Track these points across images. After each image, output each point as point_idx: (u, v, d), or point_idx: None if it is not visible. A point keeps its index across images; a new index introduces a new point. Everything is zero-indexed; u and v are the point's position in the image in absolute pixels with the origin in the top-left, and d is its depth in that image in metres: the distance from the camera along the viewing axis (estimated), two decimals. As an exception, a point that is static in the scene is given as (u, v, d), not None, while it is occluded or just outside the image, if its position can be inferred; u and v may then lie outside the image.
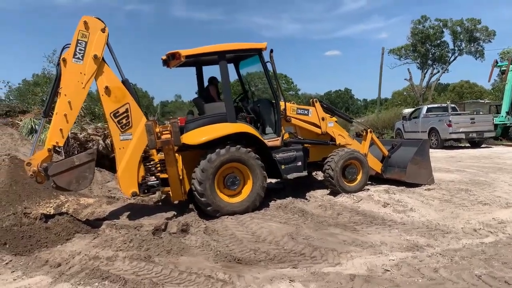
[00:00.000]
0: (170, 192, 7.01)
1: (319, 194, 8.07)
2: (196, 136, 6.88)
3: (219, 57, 7.10)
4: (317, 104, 8.23)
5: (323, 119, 8.22)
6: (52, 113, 6.50)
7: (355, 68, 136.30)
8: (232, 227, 6.27)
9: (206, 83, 8.30)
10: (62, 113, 6.37)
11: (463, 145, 19.47)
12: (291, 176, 7.55)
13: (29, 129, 12.11)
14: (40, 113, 13.99)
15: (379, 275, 4.16)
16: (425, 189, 8.05)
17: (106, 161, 11.41)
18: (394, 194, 7.70)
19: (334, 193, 7.94)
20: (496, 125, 19.07)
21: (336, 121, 8.58)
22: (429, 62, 49.41)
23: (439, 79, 50.24)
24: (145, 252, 5.28)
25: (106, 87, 6.63)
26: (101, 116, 15.57)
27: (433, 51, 48.75)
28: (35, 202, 8.42)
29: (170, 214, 7.22)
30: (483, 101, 28.79)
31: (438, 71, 49.20)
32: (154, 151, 7.26)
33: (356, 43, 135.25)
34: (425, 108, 20.78)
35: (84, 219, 7.21)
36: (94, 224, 6.90)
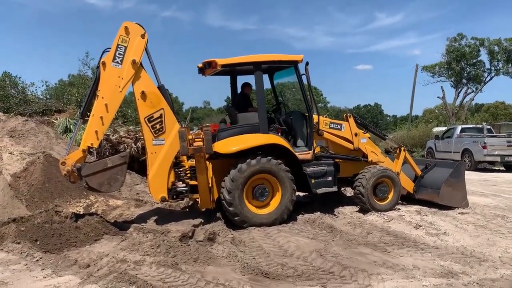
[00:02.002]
0: (199, 200, 7.01)
1: (348, 211, 7.91)
2: (227, 145, 6.87)
3: (254, 68, 7.09)
4: (351, 119, 8.11)
5: (356, 134, 8.08)
6: (89, 115, 6.62)
7: (386, 83, 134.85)
8: (259, 239, 6.21)
9: (239, 93, 8.31)
10: (98, 115, 6.47)
11: (497, 168, 18.83)
12: (320, 191, 7.44)
13: (64, 128, 12.41)
14: (75, 113, 14.41)
15: (412, 301, 4.01)
16: (459, 213, 7.78)
17: (135, 164, 11.58)
18: (426, 216, 7.47)
19: (364, 210, 7.77)
20: None
21: (369, 137, 8.43)
22: (464, 81, 48.14)
23: (473, 99, 48.85)
24: (172, 258, 5.26)
25: (142, 92, 6.71)
26: (133, 119, 15.85)
27: (468, 70, 47.52)
28: (66, 200, 8.59)
29: (197, 221, 7.23)
30: None
31: (473, 91, 47.91)
32: (184, 157, 7.30)
33: (388, 58, 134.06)
34: (459, 128, 20.23)
35: (113, 221, 7.30)
36: (122, 226, 6.96)
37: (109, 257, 5.37)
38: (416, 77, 34.86)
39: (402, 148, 8.58)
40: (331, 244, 5.90)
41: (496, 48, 45.26)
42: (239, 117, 7.38)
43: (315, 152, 7.56)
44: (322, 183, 7.49)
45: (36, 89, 25.64)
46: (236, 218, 6.74)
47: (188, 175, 7.25)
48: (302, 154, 7.40)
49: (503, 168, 18.45)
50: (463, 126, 21.40)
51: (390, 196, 7.90)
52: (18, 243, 5.73)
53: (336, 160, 7.88)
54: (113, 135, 12.19)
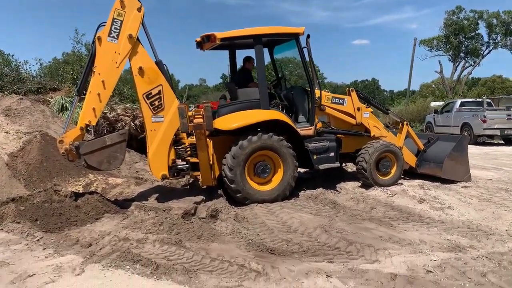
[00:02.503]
0: (200, 177, 6.92)
1: (350, 186, 7.85)
2: (228, 122, 6.73)
3: (254, 41, 6.89)
4: (353, 93, 7.96)
5: (358, 109, 7.95)
6: (86, 92, 6.45)
7: (383, 58, 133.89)
8: (262, 216, 6.14)
9: (239, 68, 8.11)
10: (95, 92, 6.31)
11: (495, 142, 18.79)
12: (323, 166, 7.34)
13: (60, 106, 12.19)
14: (70, 91, 14.16)
15: (421, 276, 3.95)
16: (462, 187, 7.72)
17: (134, 142, 11.44)
18: (430, 190, 7.40)
19: (366, 186, 7.70)
20: None
21: (371, 112, 8.30)
22: (462, 55, 47.76)
23: (471, 73, 48.55)
24: (176, 236, 5.19)
25: (140, 68, 6.53)
26: (130, 96, 15.62)
27: (467, 43, 47.07)
28: (64, 179, 8.49)
29: (198, 198, 7.12)
30: None
31: (471, 65, 47.59)
32: (184, 134, 7.17)
33: (386, 33, 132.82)
34: (458, 102, 20.08)
35: (113, 199, 7.21)
36: (123, 204, 6.87)
37: (111, 235, 5.28)
38: (414, 52, 34.49)
39: (405, 122, 8.46)
40: (335, 219, 5.84)
41: (494, 21, 44.80)
42: (239, 92, 7.22)
43: (316, 127, 7.43)
44: (324, 158, 7.39)
45: (30, 67, 25.17)
46: (238, 195, 6.66)
47: (189, 152, 7.14)
48: (304, 130, 7.27)
49: (502, 142, 18.42)
50: (463, 100, 21.25)
51: (393, 171, 7.83)
52: (18, 222, 5.63)
53: (338, 135, 7.76)
54: (110, 113, 12.01)
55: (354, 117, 7.97)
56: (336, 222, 5.70)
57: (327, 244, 4.94)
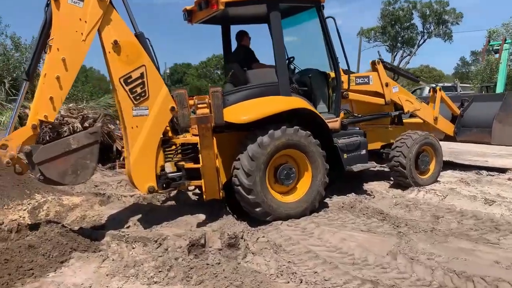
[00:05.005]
0: (203, 188, 5.08)
1: (379, 188, 6.47)
2: (240, 113, 5.04)
3: (270, 7, 5.25)
4: (380, 66, 6.60)
5: (386, 85, 6.60)
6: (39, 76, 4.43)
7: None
8: (300, 240, 4.49)
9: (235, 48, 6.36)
10: (53, 75, 4.33)
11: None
12: (356, 168, 5.79)
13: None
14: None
15: None
16: (508, 179, 6.60)
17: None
18: (477, 185, 6.22)
19: (400, 186, 6.37)
20: None
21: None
22: (399, 45, 49.22)
23: (408, 62, 50.05)
24: (202, 289, 3.40)
25: (115, 42, 4.63)
26: (72, 95, 13.19)
27: (403, 33, 48.55)
28: (2, 204, 6.24)
29: (195, 219, 5.35)
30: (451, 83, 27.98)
31: (408, 54, 49.19)
32: (170, 132, 5.39)
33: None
34: (427, 89, 19.55)
35: (76, 228, 5.22)
36: (93, 235, 4.94)
37: (95, 292, 3.39)
38: (361, 43, 34.32)
39: (438, 88, 7.26)
40: (406, 239, 4.31)
41: (427, 11, 46.59)
42: (250, 75, 5.50)
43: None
44: (356, 157, 5.86)
45: None
46: (257, 209, 4.99)
47: (179, 156, 5.35)
48: (330, 122, 5.69)
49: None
50: (433, 85, 20.76)
51: (432, 167, 6.53)
52: None
53: (362, 127, 6.30)
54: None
55: (382, 96, 6.56)
56: (413, 243, 4.17)
57: (429, 281, 3.38)
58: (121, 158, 10.09)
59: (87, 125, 9.82)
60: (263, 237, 4.52)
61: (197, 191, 6.49)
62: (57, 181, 4.66)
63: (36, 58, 4.56)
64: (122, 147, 10.19)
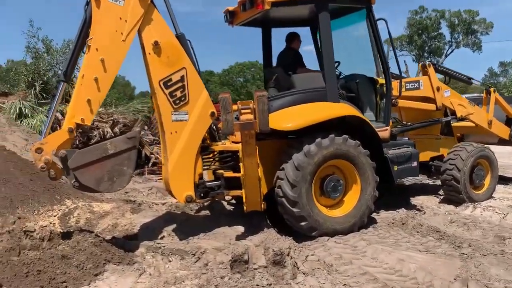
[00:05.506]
0: (243, 198, 4.77)
1: (427, 203, 6.10)
2: (286, 119, 4.75)
3: (319, 8, 4.96)
4: (431, 69, 6.25)
5: (438, 89, 6.22)
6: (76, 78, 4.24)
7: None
8: (352, 259, 4.12)
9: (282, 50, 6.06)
10: (91, 77, 4.13)
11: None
12: (408, 181, 5.40)
13: (18, 112, 9.64)
14: (26, 96, 11.52)
15: None
16: None
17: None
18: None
19: (451, 202, 5.94)
20: None
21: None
22: (425, 54, 48.34)
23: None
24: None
25: (156, 43, 4.42)
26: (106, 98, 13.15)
27: (430, 43, 47.70)
28: (32, 209, 6.04)
29: (232, 231, 5.07)
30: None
31: (434, 64, 48.32)
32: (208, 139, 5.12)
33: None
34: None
35: (109, 237, 4.98)
36: (126, 245, 4.70)
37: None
38: (389, 52, 33.67)
39: (492, 90, 6.86)
40: (473, 262, 3.90)
41: (456, 20, 45.70)
42: (296, 79, 5.19)
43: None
44: (406, 170, 5.46)
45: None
46: (302, 223, 4.66)
47: (217, 164, 5.12)
48: (379, 131, 5.32)
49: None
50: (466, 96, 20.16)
51: (487, 182, 6.10)
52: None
53: (410, 137, 5.92)
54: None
55: (434, 101, 6.20)
56: (484, 268, 3.75)
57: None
58: (150, 164, 9.93)
59: (117, 130, 9.71)
60: (313, 255, 4.18)
61: (233, 200, 6.21)
62: (92, 188, 4.45)
63: (74, 58, 4.37)
64: (151, 153, 10.04)
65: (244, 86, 53.89)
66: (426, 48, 47.82)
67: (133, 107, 11.52)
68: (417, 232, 4.78)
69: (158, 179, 9.40)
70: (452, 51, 47.75)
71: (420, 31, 46.52)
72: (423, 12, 46.65)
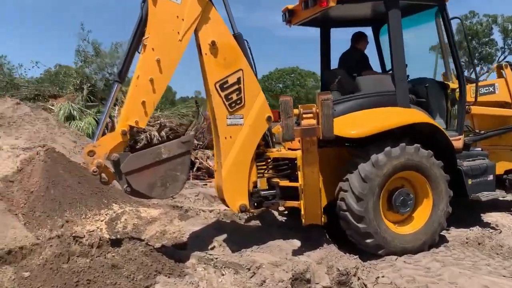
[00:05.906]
0: (302, 210, 4.43)
1: (505, 221, 5.58)
2: (351, 125, 4.42)
3: (389, 5, 4.62)
4: (508, 71, 5.77)
5: None
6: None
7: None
8: (428, 283, 3.76)
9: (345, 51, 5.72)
10: (146, 78, 3.95)
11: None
12: (484, 197, 4.92)
13: (66, 115, 9.76)
14: (75, 98, 11.71)
15: None
16: None
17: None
18: None
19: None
20: None
21: None
22: (475, 61, 46.47)
23: (486, 80, 47.12)
24: None
25: (213, 43, 4.19)
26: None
27: (480, 49, 45.76)
28: (80, 213, 5.93)
29: (288, 245, 4.74)
30: None
31: (486, 71, 46.36)
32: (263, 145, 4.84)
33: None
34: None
35: (158, 245, 4.77)
36: (175, 255, 4.47)
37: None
38: (437, 59, 32.58)
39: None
40: None
41: (510, 25, 43.66)
42: (361, 82, 4.83)
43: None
44: (482, 184, 4.99)
45: (25, 72, 22.46)
46: (368, 240, 4.30)
47: (271, 172, 4.84)
48: (452, 141, 4.86)
49: None
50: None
51: None
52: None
53: (483, 147, 5.42)
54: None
55: (510, 106, 5.75)
56: None
57: None
58: (194, 169, 9.78)
59: (164, 134, 9.64)
60: (383, 276, 3.78)
61: (285, 211, 5.88)
62: (144, 194, 4.26)
63: (129, 58, 4.20)
64: (196, 158, 9.88)
65: (283, 92, 53.52)
66: (477, 54, 45.98)
67: (178, 111, 11.49)
68: (497, 254, 4.31)
69: (204, 185, 9.25)
70: (504, 57, 45.63)
71: (470, 37, 44.80)
72: (473, 17, 44.87)
